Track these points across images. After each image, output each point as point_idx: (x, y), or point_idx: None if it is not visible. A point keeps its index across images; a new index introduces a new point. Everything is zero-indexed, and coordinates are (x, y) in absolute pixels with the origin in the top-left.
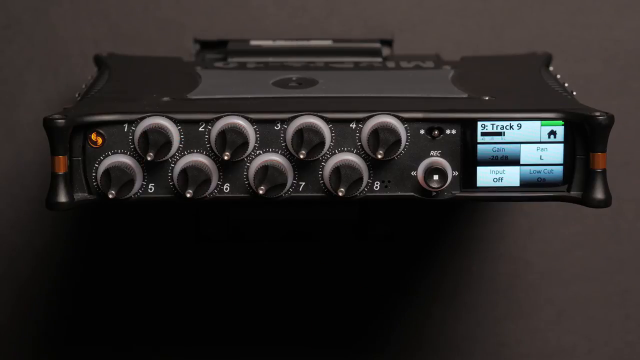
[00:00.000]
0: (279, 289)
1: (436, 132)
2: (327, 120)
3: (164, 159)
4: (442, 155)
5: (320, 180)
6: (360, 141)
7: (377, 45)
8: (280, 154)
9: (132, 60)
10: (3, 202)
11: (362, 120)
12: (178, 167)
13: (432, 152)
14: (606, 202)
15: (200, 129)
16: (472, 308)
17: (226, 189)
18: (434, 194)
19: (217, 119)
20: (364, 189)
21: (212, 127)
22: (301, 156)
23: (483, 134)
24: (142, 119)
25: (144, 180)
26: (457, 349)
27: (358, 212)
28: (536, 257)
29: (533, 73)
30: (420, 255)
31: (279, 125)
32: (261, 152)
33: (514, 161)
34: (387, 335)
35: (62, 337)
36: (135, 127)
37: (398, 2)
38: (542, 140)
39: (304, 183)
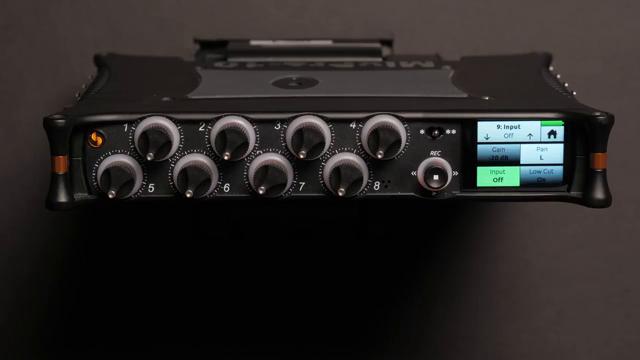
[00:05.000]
0: (279, 289)
1: (436, 132)
2: (327, 120)
3: (164, 159)
4: (442, 155)
5: (320, 180)
6: (360, 141)
7: (377, 45)
8: (280, 154)
9: (132, 60)
10: (3, 202)
11: (362, 120)
12: (178, 167)
13: (432, 152)
14: (606, 202)
15: (200, 129)
16: (472, 308)
17: (226, 189)
18: (434, 194)
19: (217, 119)
20: (364, 189)
21: (212, 127)
22: (301, 156)
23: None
24: (142, 119)
25: (144, 180)
26: (457, 349)
27: (358, 212)
28: (536, 257)
29: (533, 73)
30: (420, 255)
31: (279, 125)
32: (261, 152)
33: (514, 161)
34: (386, 335)
35: (61, 337)
36: (135, 127)
37: (398, 2)
38: (542, 140)
39: (304, 183)
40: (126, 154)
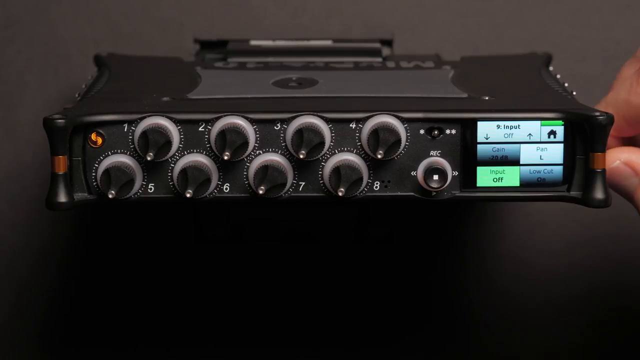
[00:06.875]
0: (279, 289)
1: (436, 132)
2: (327, 120)
3: (163, 159)
4: (442, 155)
5: (320, 180)
6: (360, 141)
7: (377, 45)
8: (280, 154)
9: (132, 60)
10: (3, 202)
11: (362, 120)
12: (178, 167)
13: (432, 152)
14: (606, 202)
15: (200, 129)
16: (472, 308)
17: (226, 189)
18: (433, 194)
19: (217, 119)
20: (363, 189)
21: (212, 127)
22: (301, 156)
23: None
24: (142, 119)
25: (143, 180)
26: (456, 349)
27: (358, 212)
28: (536, 257)
29: (533, 73)
30: (420, 255)
31: (278, 125)
32: (261, 152)
33: (513, 161)
34: (386, 335)
35: (61, 337)
36: (135, 127)
37: (398, 2)
38: (542, 140)
39: (304, 183)
40: (126, 154)
